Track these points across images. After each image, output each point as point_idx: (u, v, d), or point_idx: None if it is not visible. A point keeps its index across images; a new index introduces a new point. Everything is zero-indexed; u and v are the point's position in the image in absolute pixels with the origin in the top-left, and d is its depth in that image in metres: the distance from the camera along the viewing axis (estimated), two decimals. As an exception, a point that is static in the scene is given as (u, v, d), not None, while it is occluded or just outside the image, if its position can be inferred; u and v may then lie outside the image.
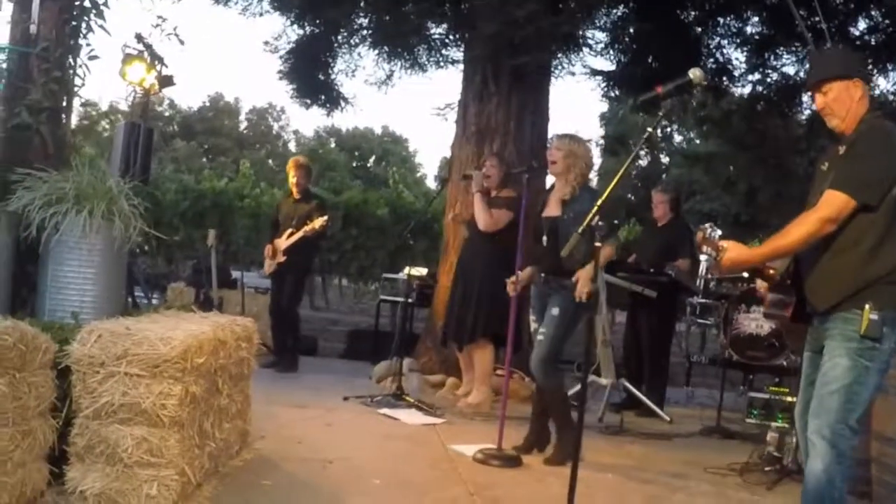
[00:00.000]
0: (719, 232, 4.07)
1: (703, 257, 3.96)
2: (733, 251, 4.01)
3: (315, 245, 9.89)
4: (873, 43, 12.27)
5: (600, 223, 4.11)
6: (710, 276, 8.37)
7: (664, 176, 33.80)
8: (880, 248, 3.81)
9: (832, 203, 3.80)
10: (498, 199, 7.90)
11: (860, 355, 3.78)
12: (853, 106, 3.95)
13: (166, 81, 8.61)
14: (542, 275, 6.33)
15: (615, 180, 4.38)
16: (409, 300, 9.34)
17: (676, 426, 8.18)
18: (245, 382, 5.32)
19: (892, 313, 3.77)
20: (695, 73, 3.87)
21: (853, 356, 3.78)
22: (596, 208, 3.95)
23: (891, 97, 13.31)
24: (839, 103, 3.97)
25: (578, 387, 8.17)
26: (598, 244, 4.14)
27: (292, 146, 61.29)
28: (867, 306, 3.74)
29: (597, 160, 31.59)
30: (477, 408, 7.85)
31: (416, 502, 4.92)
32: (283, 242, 9.51)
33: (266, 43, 11.07)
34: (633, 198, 31.25)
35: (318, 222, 9.26)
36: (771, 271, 4.20)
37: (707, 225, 4.18)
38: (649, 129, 4.07)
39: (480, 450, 6.01)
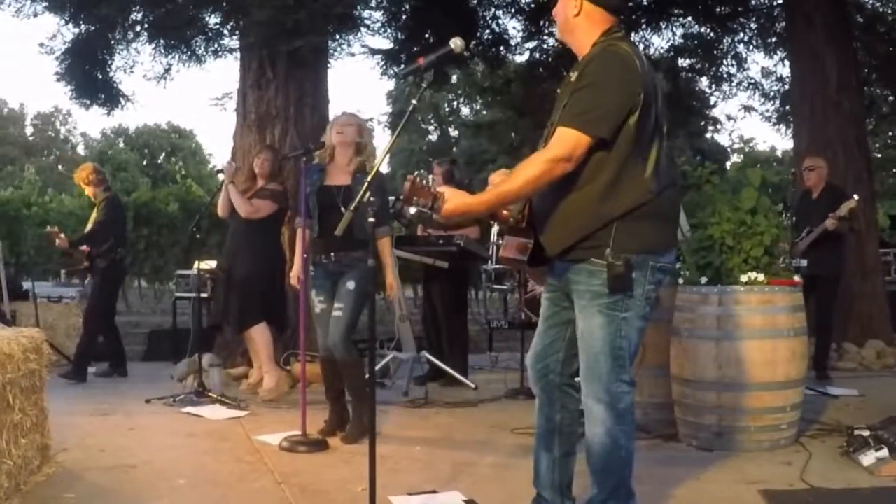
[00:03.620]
0: (433, 178, 3.67)
1: (412, 210, 3.67)
2: (452, 201, 3.56)
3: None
4: (645, 3, 12.79)
5: (372, 199, 4.09)
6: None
7: (454, 149, 34.22)
8: (617, 184, 3.47)
9: (564, 141, 3.43)
10: (264, 189, 8.02)
11: (614, 309, 3.51)
12: (570, 21, 3.66)
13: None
14: (332, 254, 6.24)
15: (382, 156, 4.45)
16: (203, 295, 9.23)
17: (482, 392, 8.35)
18: (39, 395, 5.12)
19: (637, 256, 3.49)
20: (455, 43, 3.87)
21: (607, 312, 3.52)
22: (367, 184, 3.93)
23: (666, 55, 13.92)
24: (558, 15, 3.74)
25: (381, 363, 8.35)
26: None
27: (81, 149, 59.45)
28: (610, 257, 3.43)
29: (384, 138, 31.87)
30: (273, 392, 7.87)
31: (223, 497, 4.85)
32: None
33: (41, 45, 10.68)
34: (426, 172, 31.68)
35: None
36: (505, 213, 3.80)
37: (416, 172, 3.67)
38: (414, 102, 4.04)
39: (286, 437, 5.98)
